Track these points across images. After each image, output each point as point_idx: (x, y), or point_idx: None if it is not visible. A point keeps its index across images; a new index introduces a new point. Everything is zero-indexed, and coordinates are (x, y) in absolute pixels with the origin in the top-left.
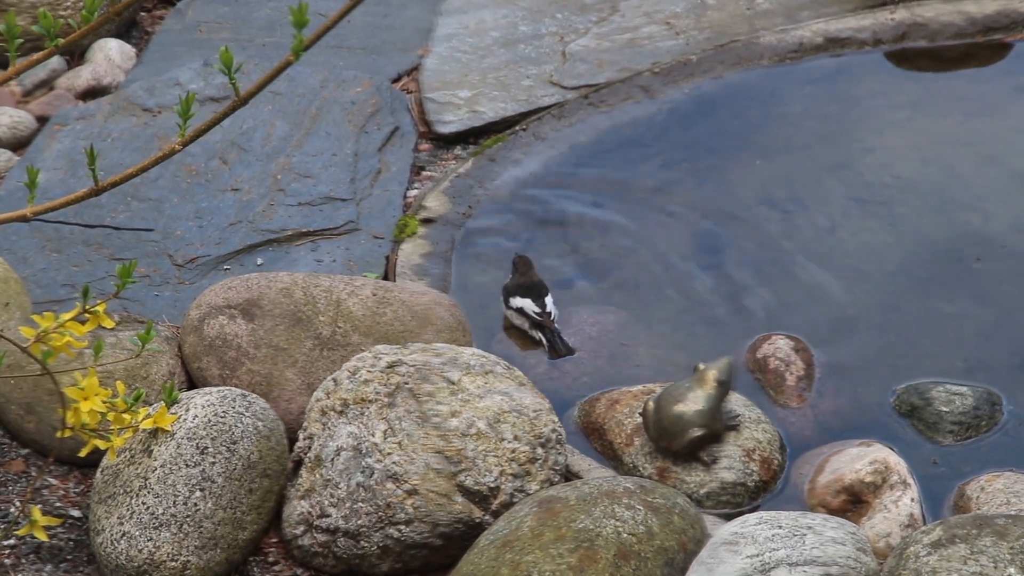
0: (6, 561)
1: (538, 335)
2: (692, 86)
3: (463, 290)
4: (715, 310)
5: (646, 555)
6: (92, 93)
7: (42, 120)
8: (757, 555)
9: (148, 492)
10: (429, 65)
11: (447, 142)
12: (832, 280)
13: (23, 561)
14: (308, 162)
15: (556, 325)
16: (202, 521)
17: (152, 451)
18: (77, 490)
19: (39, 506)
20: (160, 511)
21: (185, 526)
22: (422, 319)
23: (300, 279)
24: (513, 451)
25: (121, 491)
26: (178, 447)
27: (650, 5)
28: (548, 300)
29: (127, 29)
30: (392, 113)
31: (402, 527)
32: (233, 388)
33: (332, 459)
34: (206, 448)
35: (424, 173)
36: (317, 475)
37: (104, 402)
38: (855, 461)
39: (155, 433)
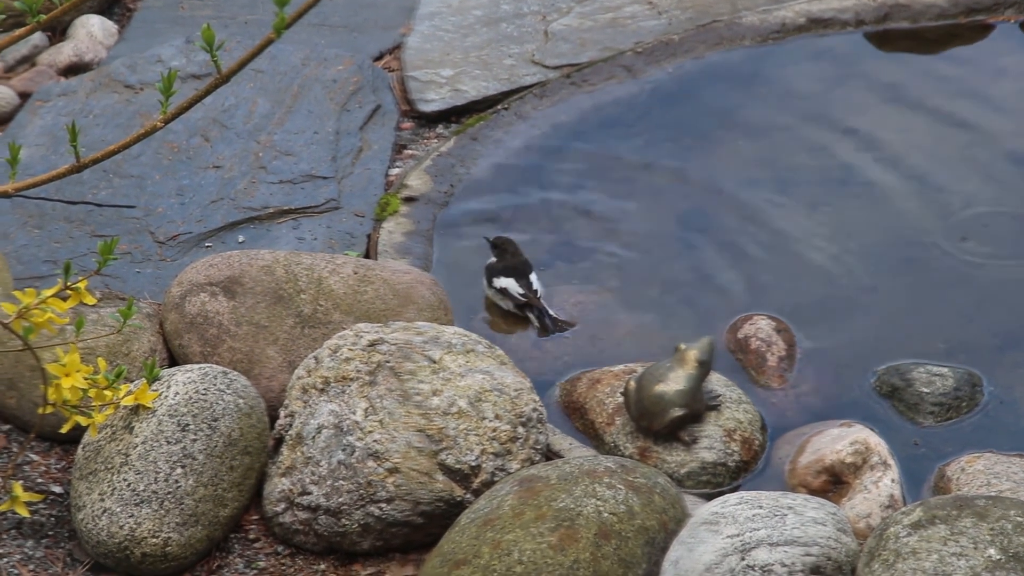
0: None
1: (525, 314)
2: (674, 66)
3: (444, 269)
4: (696, 290)
5: (627, 534)
6: (74, 69)
7: (24, 96)
8: (737, 535)
9: (129, 469)
10: (411, 44)
11: (429, 121)
12: (814, 261)
13: (4, 537)
14: (290, 140)
15: (543, 303)
16: (183, 498)
17: (133, 428)
18: (59, 466)
19: (20, 482)
20: (141, 488)
21: (166, 503)
22: (404, 297)
23: (281, 257)
24: (494, 430)
25: (102, 467)
26: (159, 424)
27: None
28: (533, 278)
29: (109, 5)
30: (374, 91)
31: (383, 505)
32: (214, 365)
33: (313, 437)
34: (187, 425)
35: (406, 151)
36: (298, 453)
37: (85, 379)
38: (836, 442)
39: (136, 410)
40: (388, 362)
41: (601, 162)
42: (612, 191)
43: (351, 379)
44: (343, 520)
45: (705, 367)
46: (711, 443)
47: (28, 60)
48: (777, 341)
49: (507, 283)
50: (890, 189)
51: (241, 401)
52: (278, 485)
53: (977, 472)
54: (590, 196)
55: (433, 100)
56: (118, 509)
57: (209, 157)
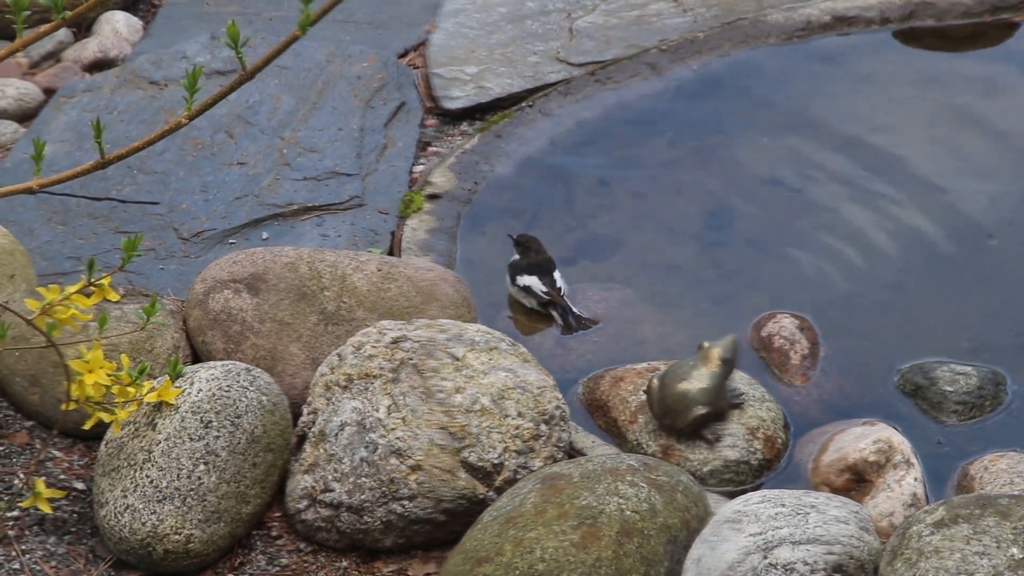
0: (10, 533)
1: (549, 312)
2: (699, 64)
3: (468, 266)
4: (720, 288)
5: (649, 532)
6: (99, 65)
7: (49, 92)
8: (760, 533)
9: (152, 465)
10: (436, 40)
11: (453, 118)
12: (838, 259)
13: (27, 533)
14: (314, 137)
15: (567, 300)
16: (206, 495)
17: (156, 424)
18: (81, 463)
19: (43, 478)
20: (164, 484)
21: (189, 499)
22: (427, 295)
23: (305, 254)
24: (517, 428)
25: (125, 464)
26: (182, 421)
27: None
28: (556, 275)
29: (134, 1)
30: (398, 88)
31: (405, 502)
32: (238, 362)
33: (336, 434)
34: (210, 422)
35: (430, 149)
36: (321, 450)
37: (109, 375)
38: (859, 440)
39: (159, 406)
40: (411, 359)
41: (625, 159)
42: (636, 188)
43: (374, 376)
44: (365, 517)
45: (728, 365)
46: (734, 441)
47: (53, 56)
48: (800, 339)
49: (530, 281)
50: (915, 187)
51: (264, 398)
52: (301, 482)
53: (1000, 471)
54: (614, 193)
55: (458, 97)
56: (140, 506)
57: (233, 154)
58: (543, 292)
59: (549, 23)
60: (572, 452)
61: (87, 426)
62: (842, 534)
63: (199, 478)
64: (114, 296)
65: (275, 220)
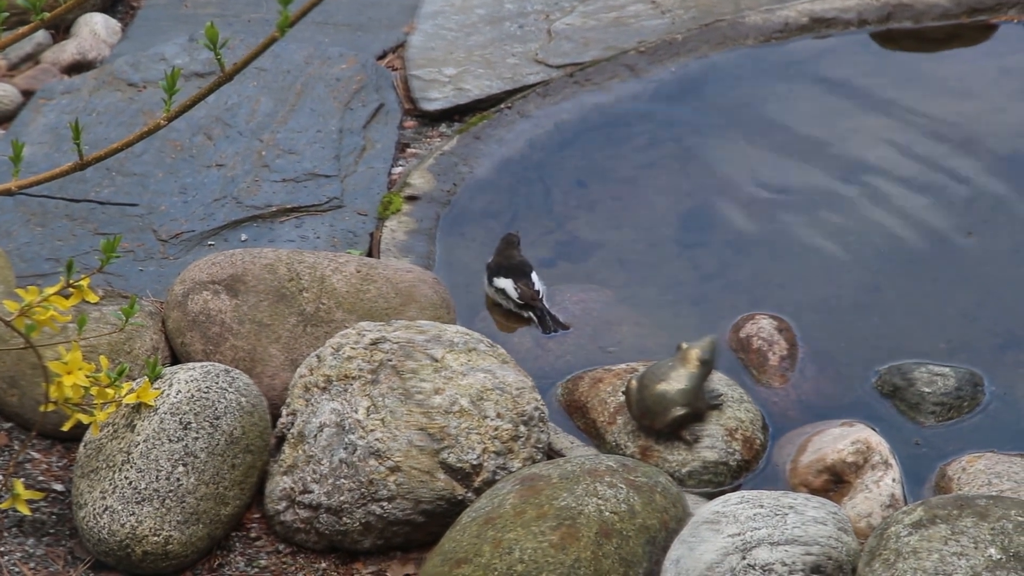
0: None
1: (527, 314)
2: (677, 65)
3: (447, 267)
4: (698, 289)
5: (628, 533)
6: (77, 67)
7: (27, 94)
8: (739, 534)
9: (131, 467)
10: (414, 42)
11: (432, 119)
12: (816, 260)
13: (5, 535)
14: (293, 138)
15: (544, 302)
16: (184, 496)
17: (135, 426)
18: (60, 464)
19: (22, 480)
20: (143, 486)
21: (167, 501)
22: (406, 296)
23: (284, 255)
24: (496, 429)
25: (104, 465)
26: (161, 422)
27: None
28: (534, 277)
29: (113, 3)
30: (377, 90)
31: (384, 504)
32: (217, 364)
33: (315, 435)
34: (189, 423)
35: (409, 150)
36: (300, 451)
37: (87, 376)
38: (837, 441)
39: (138, 408)
40: (390, 361)
41: (604, 161)
42: (615, 190)
43: (353, 378)
44: (344, 519)
45: (707, 366)
46: (713, 442)
47: (32, 58)
48: (779, 340)
49: (505, 284)
50: (893, 188)
51: (243, 399)
52: (280, 483)
53: (978, 472)
54: (593, 195)
55: (436, 99)
56: (119, 507)
57: (212, 155)
58: (518, 295)
59: (527, 25)
60: (551, 453)
61: (66, 427)
62: (820, 535)
63: (178, 479)
64: (93, 298)
65: (254, 222)
